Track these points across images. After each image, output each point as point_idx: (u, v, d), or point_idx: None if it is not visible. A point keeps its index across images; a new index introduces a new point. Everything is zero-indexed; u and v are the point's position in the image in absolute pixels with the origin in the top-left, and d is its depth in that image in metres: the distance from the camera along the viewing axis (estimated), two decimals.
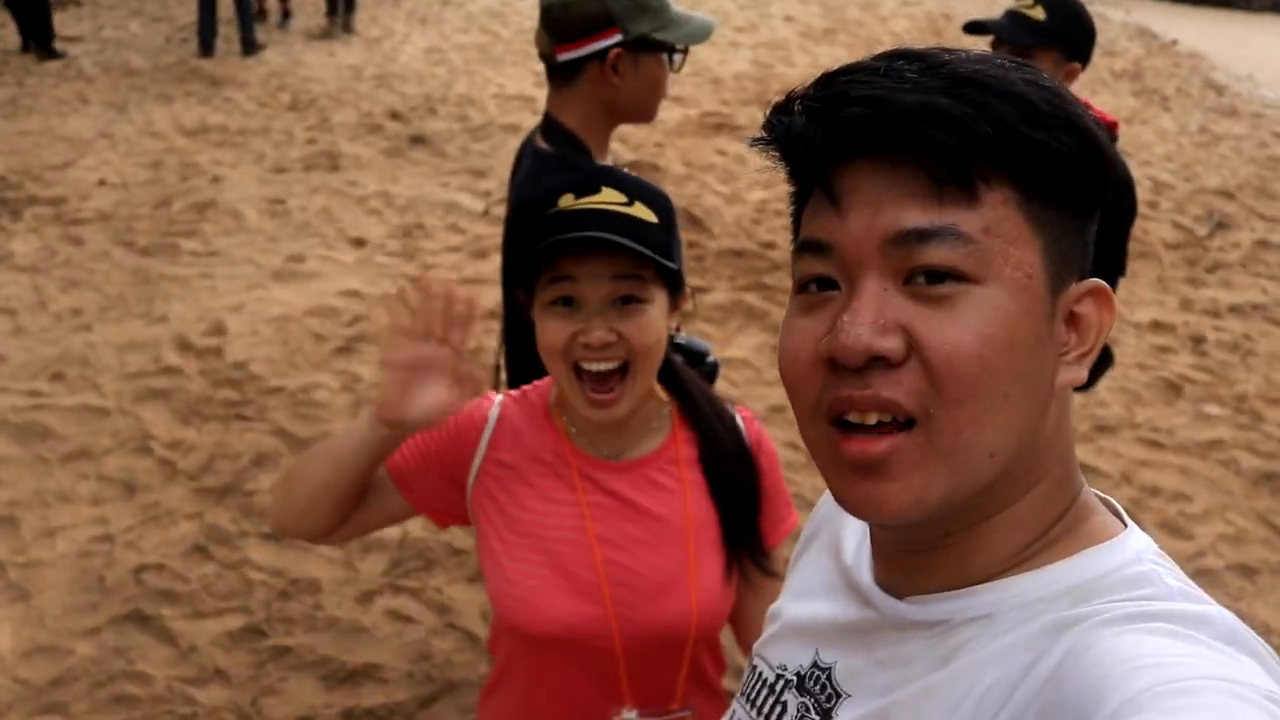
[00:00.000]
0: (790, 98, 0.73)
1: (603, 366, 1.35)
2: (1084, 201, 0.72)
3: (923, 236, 0.68)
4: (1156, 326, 5.15)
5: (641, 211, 1.35)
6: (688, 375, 1.56)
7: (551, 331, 1.35)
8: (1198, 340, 5.03)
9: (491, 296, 4.59)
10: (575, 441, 1.48)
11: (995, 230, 0.68)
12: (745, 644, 1.55)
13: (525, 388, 1.56)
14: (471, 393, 1.35)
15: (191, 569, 3.20)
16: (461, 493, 1.49)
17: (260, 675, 2.84)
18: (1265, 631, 3.12)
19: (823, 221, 0.72)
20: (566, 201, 1.35)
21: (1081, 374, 0.73)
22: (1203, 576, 3.37)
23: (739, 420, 1.55)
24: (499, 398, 1.54)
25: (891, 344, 0.67)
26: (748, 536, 1.49)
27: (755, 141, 0.75)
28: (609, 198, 1.34)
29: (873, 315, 0.68)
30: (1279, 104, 9.93)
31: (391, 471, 1.48)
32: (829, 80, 0.72)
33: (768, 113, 0.74)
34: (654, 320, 1.37)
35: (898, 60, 0.71)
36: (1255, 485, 3.95)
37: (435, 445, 1.48)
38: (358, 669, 2.86)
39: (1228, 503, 3.83)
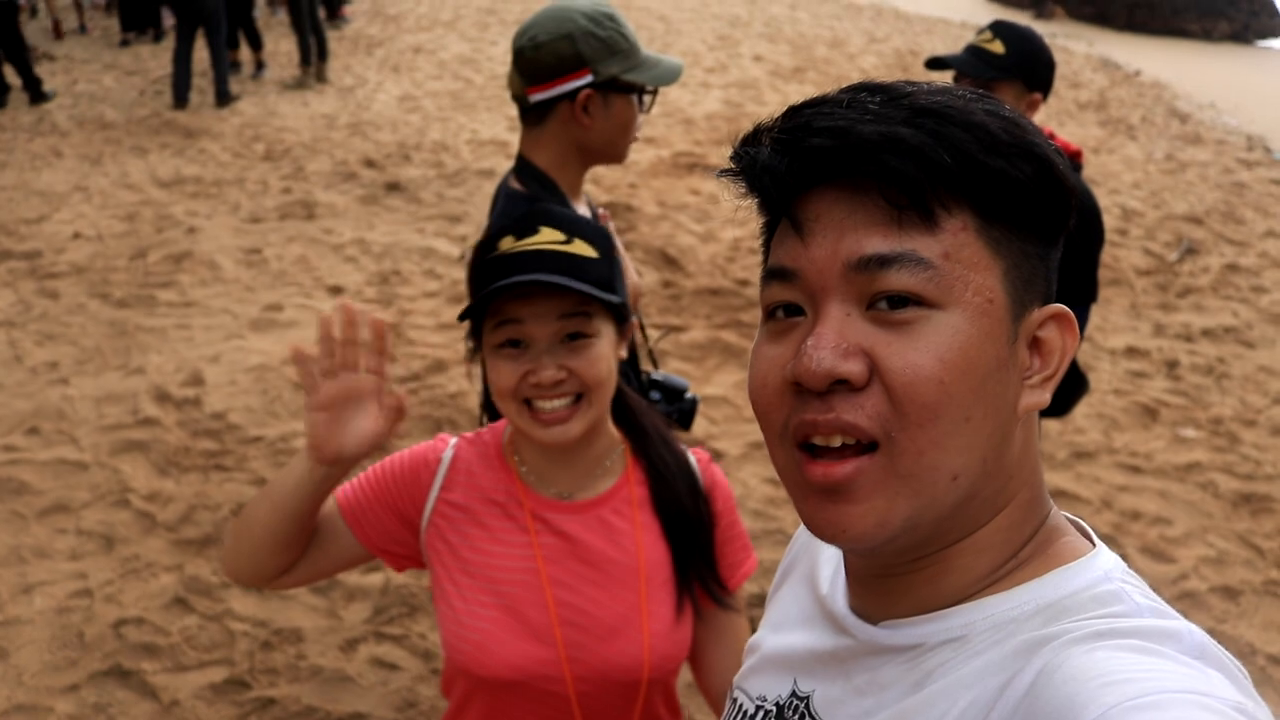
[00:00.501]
0: (757, 129, 0.75)
1: (555, 404, 1.36)
2: (1045, 228, 0.74)
3: (884, 262, 0.69)
4: (1131, 352, 5.19)
5: (581, 248, 1.36)
6: (642, 411, 1.55)
7: (503, 374, 1.36)
8: (1172, 365, 5.08)
9: None
10: (527, 481, 1.47)
11: (955, 256, 0.70)
12: (706, 689, 1.54)
13: (481, 429, 1.56)
14: (397, 416, 1.34)
15: (172, 622, 3.17)
16: (415, 534, 1.48)
17: None
18: (1250, 653, 3.12)
19: (788, 249, 0.74)
20: (507, 244, 1.35)
21: (1044, 397, 0.74)
22: (1186, 599, 3.38)
23: (693, 462, 1.55)
24: (454, 439, 1.53)
25: (853, 367, 0.69)
26: (704, 576, 1.48)
27: (723, 173, 0.77)
28: (548, 237, 1.35)
29: (835, 339, 0.69)
30: (1241, 131, 10.10)
31: (345, 513, 1.47)
32: (794, 112, 0.73)
33: (735, 144, 0.76)
34: (603, 354, 1.37)
35: (861, 93, 0.73)
36: (1235, 507, 3.98)
37: (389, 486, 1.48)
38: (343, 718, 2.83)
39: (1208, 525, 3.85)
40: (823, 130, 0.70)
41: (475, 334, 1.42)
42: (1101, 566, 0.73)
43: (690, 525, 1.49)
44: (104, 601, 3.24)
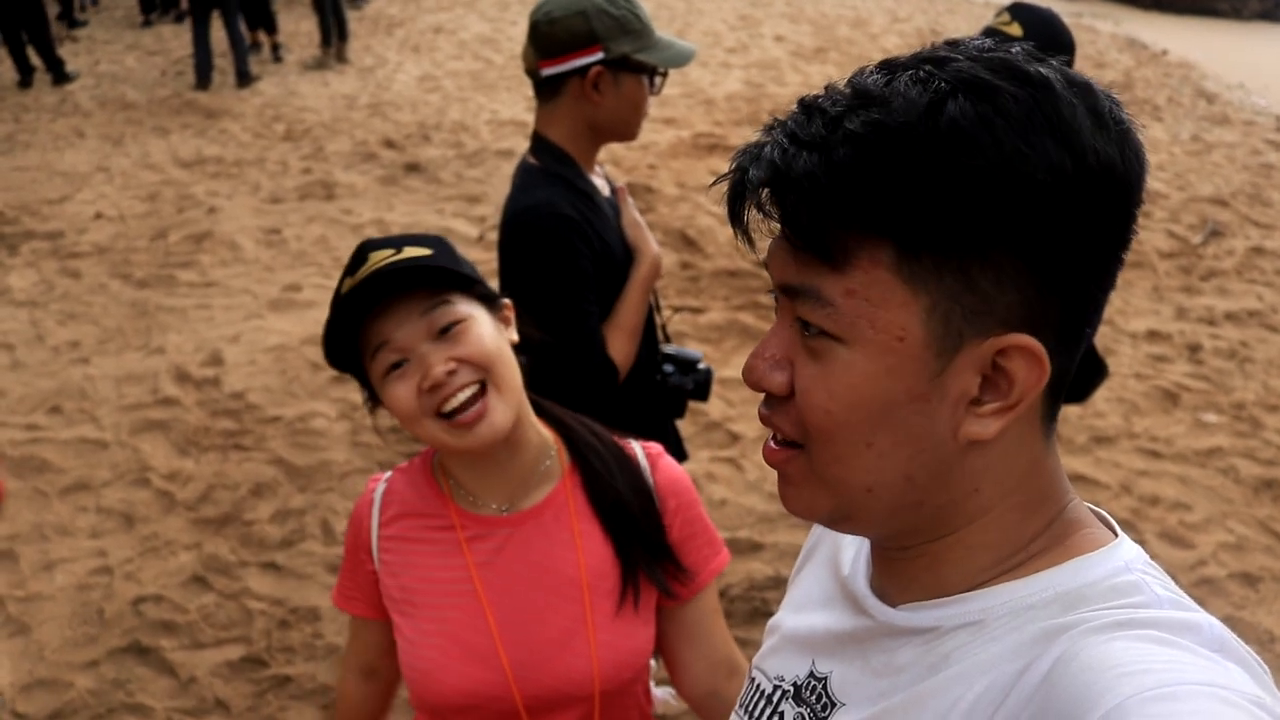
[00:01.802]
0: (767, 130, 0.74)
1: (461, 396, 1.32)
2: (1022, 248, 0.66)
3: (792, 293, 0.72)
4: (1153, 336, 5.15)
5: (411, 252, 1.34)
6: (565, 413, 1.52)
7: (400, 397, 1.33)
8: (1194, 349, 5.03)
9: None
10: (459, 501, 1.44)
11: (861, 293, 0.69)
12: (685, 693, 1.52)
13: (414, 457, 1.54)
14: None
15: (190, 599, 3.19)
16: (375, 577, 1.47)
17: (260, 705, 2.83)
18: (1269, 640, 3.11)
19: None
20: (346, 285, 1.35)
21: (990, 429, 0.70)
22: (1205, 586, 3.36)
23: (641, 456, 1.49)
24: (386, 474, 1.51)
25: (777, 381, 0.74)
26: (655, 572, 1.43)
27: (715, 184, 0.78)
28: (377, 259, 1.33)
29: (773, 350, 0.75)
30: (1270, 111, 9.98)
31: (340, 605, 1.52)
32: (772, 126, 0.73)
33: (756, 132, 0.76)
34: (484, 332, 1.34)
35: (829, 101, 0.70)
36: (1255, 493, 3.95)
37: (349, 548, 1.50)
38: None
39: (1228, 511, 3.83)
40: (760, 162, 0.70)
41: (364, 384, 1.40)
42: (1122, 557, 0.72)
43: (630, 516, 1.43)
44: (123, 579, 3.27)
